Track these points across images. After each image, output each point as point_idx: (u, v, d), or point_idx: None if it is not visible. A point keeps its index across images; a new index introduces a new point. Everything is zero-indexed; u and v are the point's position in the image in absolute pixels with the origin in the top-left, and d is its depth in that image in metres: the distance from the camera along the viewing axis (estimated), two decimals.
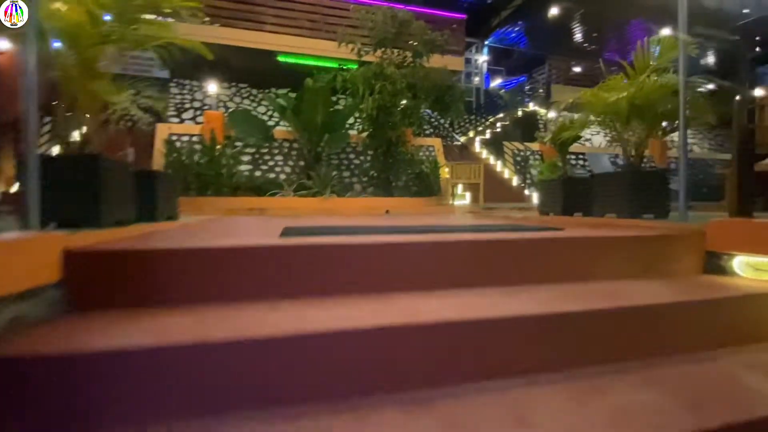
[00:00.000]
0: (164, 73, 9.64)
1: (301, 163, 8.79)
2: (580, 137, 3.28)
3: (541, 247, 1.78)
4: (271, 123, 9.55)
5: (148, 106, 2.83)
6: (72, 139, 2.49)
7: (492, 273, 1.68)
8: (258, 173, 8.78)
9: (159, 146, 7.79)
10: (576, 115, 3.59)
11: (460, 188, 8.64)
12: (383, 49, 6.70)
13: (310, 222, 3.53)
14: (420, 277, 1.58)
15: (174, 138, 8.42)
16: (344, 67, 7.42)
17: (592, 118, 3.07)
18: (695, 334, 1.47)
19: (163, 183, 2.66)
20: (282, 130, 8.60)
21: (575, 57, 13.91)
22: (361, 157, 9.47)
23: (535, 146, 11.42)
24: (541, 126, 12.56)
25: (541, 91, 14.02)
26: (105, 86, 2.05)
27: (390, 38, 6.50)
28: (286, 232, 2.11)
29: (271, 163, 8.92)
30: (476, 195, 8.27)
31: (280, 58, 8.13)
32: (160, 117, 9.81)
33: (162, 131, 8.26)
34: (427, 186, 8.69)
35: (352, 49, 6.61)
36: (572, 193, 3.28)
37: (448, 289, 1.55)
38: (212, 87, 8.39)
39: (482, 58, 15.32)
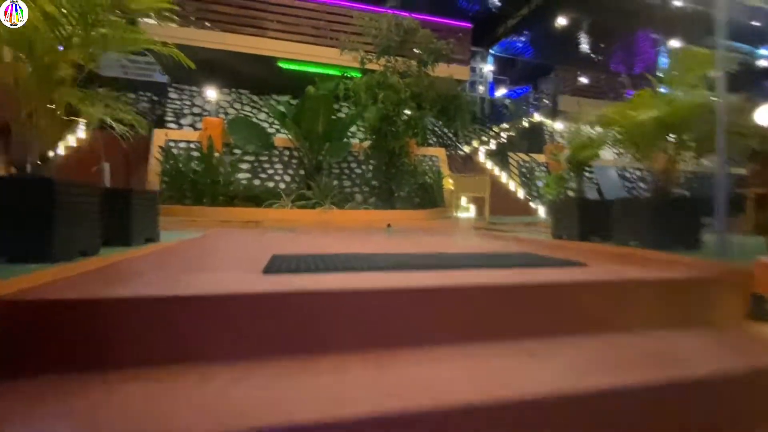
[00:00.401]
0: (165, 78, 9.50)
1: (302, 171, 8.57)
2: (598, 156, 3.02)
3: (568, 293, 1.52)
4: (271, 130, 9.36)
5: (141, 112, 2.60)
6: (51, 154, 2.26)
7: (510, 323, 1.42)
8: (257, 182, 8.56)
9: (155, 153, 7.58)
10: (587, 128, 3.32)
11: (464, 200, 8.40)
12: (387, 57, 6.50)
13: (304, 241, 3.28)
14: (425, 329, 1.32)
15: (171, 144, 8.22)
16: (347, 75, 7.23)
17: (616, 135, 2.79)
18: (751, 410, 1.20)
19: (140, 202, 2.42)
20: (283, 137, 8.40)
21: (582, 67, 13.74)
22: (363, 167, 9.25)
23: (541, 158, 11.19)
24: (547, 137, 12.34)
25: (546, 101, 13.84)
26: (69, 96, 1.80)
27: (394, 46, 6.30)
28: (273, 263, 1.85)
29: (270, 172, 8.70)
30: (481, 207, 8.01)
31: (282, 65, 7.95)
32: (159, 122, 9.65)
33: (159, 137, 8.06)
34: (430, 197, 8.45)
35: (356, 58, 6.41)
36: (589, 216, 3.02)
37: (458, 345, 1.29)
38: (212, 93, 8.21)
39: (487, 68, 15.17)
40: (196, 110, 9.23)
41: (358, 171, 9.31)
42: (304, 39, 7.94)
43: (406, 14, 6.66)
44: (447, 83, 6.69)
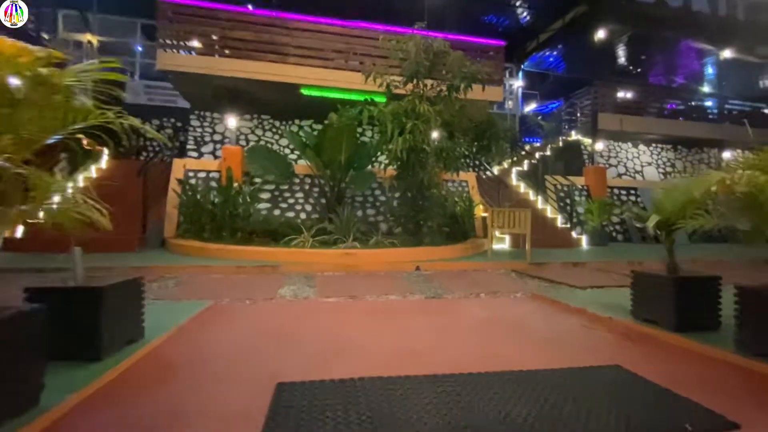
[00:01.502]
0: (189, 104, 9.36)
1: (323, 200, 8.11)
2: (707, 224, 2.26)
3: None
4: (293, 156, 9.01)
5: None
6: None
7: None
8: (277, 211, 8.18)
9: (173, 184, 7.33)
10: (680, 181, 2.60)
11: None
12: (415, 81, 5.97)
13: (323, 323, 2.71)
14: None
15: (191, 174, 7.98)
16: (371, 100, 6.76)
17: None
18: None
19: (117, 298, 1.93)
20: (304, 164, 7.99)
21: (620, 81, 12.82)
22: (388, 194, 8.71)
23: (580, 180, 10.32)
24: (586, 157, 11.44)
25: (580, 116, 12.96)
26: None
27: (423, 71, 5.78)
28: (279, 402, 1.29)
29: (291, 201, 8.30)
30: (517, 239, 7.26)
31: (304, 92, 7.59)
32: (181, 150, 9.50)
33: (177, 167, 7.83)
34: (460, 228, 7.78)
35: (380, 84, 5.92)
36: (691, 300, 2.31)
37: None
38: (231, 121, 7.94)
39: (517, 83, 14.46)
40: (217, 137, 9.01)
41: (383, 198, 8.78)
42: (327, 64, 7.56)
43: (435, 34, 6.14)
44: (480, 108, 6.09)
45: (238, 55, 7.27)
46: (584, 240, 8.68)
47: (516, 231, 6.03)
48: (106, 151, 9.02)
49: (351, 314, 2.94)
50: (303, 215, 8.29)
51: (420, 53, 5.57)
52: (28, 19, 7.27)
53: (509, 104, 14.78)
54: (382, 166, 6.44)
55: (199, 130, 8.95)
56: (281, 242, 6.42)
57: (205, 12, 7.19)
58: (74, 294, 1.81)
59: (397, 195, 6.79)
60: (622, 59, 14.86)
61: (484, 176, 10.11)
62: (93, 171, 8.27)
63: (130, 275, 2.18)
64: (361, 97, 7.69)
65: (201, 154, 8.85)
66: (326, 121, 7.51)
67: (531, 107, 18.00)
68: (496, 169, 10.73)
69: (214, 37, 7.25)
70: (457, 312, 3.08)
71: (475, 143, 6.12)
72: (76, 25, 11.07)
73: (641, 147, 12.20)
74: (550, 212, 9.61)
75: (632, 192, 11.07)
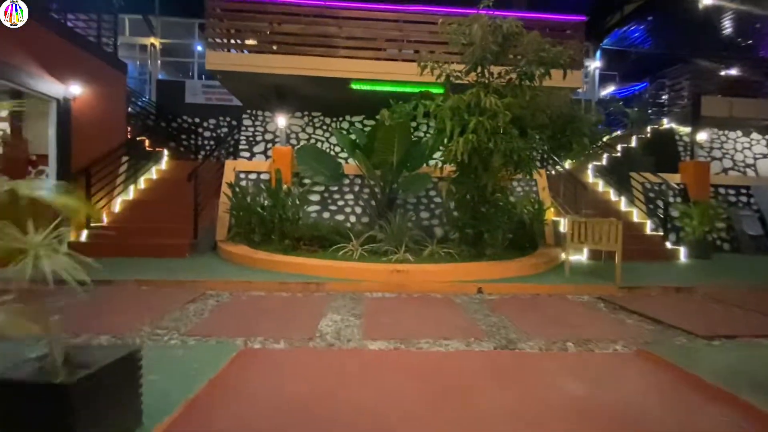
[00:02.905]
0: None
1: (373, 202, 7.57)
2: None
3: None
4: (344, 155, 8.56)
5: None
6: None
7: None
8: (326, 214, 7.79)
9: (224, 187, 7.21)
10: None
11: (564, 225, 6.47)
12: (479, 70, 5.12)
13: (367, 393, 2.11)
14: None
15: (242, 176, 7.84)
16: (427, 92, 6.01)
17: None
18: None
19: (98, 388, 1.47)
20: (354, 165, 7.49)
21: (727, 57, 10.64)
22: (444, 200, 7.93)
23: (675, 177, 8.69)
24: (681, 149, 9.67)
25: (673, 99, 11.01)
26: None
27: (490, 58, 4.91)
28: None
29: (340, 203, 7.87)
30: (596, 251, 6.12)
31: (354, 86, 7.04)
32: (235, 149, 9.48)
33: (228, 170, 7.72)
34: (527, 236, 6.81)
35: (439, 75, 5.16)
36: None
37: None
38: (281, 120, 7.64)
39: (594, 64, 12.70)
40: (268, 136, 8.83)
41: (438, 200, 8.03)
42: (379, 55, 6.92)
43: (503, 13, 5.21)
44: (558, 99, 5.08)
45: (287, 50, 6.89)
46: (682, 252, 7.24)
47: (602, 247, 5.00)
48: (165, 152, 9.27)
49: (400, 378, 2.32)
50: (353, 218, 7.83)
51: (487, 37, 4.70)
52: (91, 26, 7.49)
53: (583, 88, 13.07)
54: (438, 165, 5.69)
55: (251, 129, 8.83)
56: (329, 250, 6.00)
57: (253, 7, 6.88)
58: (34, 390, 1.38)
59: (453, 200, 6.01)
60: (728, 29, 12.41)
61: (554, 172, 8.90)
62: (153, 172, 8.48)
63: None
64: (416, 90, 6.95)
65: (253, 154, 8.72)
66: (377, 117, 6.92)
67: (608, 90, 15.94)
68: (567, 163, 9.41)
69: (262, 33, 6.93)
70: (541, 381, 2.33)
71: (552, 140, 5.13)
72: (141, 29, 11.53)
73: (754, 135, 10.07)
74: (636, 216, 8.21)
75: (743, 191, 9.15)
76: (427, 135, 8.82)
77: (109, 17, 7.44)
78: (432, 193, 7.98)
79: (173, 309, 3.62)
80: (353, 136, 7.66)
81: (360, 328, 3.23)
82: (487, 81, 5.21)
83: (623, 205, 8.53)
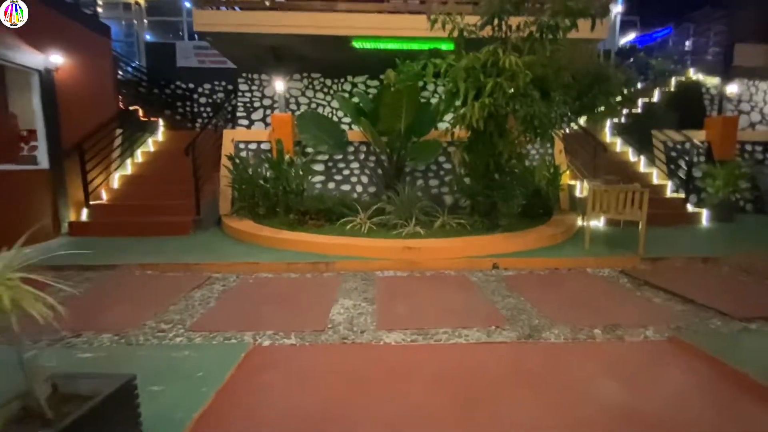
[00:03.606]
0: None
1: (380, 171, 7.24)
2: None
3: None
4: (347, 120, 8.10)
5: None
6: None
7: None
8: (331, 185, 7.51)
9: (224, 160, 6.89)
10: None
11: (581, 189, 6.16)
12: (496, 22, 4.58)
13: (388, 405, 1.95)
14: None
15: (241, 147, 7.49)
16: (437, 49, 5.47)
17: None
18: None
19: None
20: (359, 131, 7.08)
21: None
22: (457, 168, 7.56)
23: (699, 135, 8.17)
24: (708, 103, 9.02)
25: (699, 46, 10.16)
26: None
27: (509, 8, 4.35)
28: None
29: (346, 173, 7.55)
30: (616, 218, 5.82)
31: (356, 44, 6.45)
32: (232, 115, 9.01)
33: (227, 141, 7.35)
34: (542, 203, 6.52)
35: (451, 31, 4.63)
36: None
37: None
38: (279, 85, 7.13)
39: (615, 9, 11.66)
40: (267, 102, 8.34)
41: (448, 166, 7.66)
42: (382, 7, 6.28)
43: None
44: (584, 55, 4.57)
45: (281, 6, 6.27)
46: (704, 214, 6.93)
47: (626, 217, 4.71)
48: (161, 121, 8.85)
49: (420, 382, 2.16)
50: (359, 188, 7.55)
51: None
52: None
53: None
54: (449, 129, 5.28)
55: (248, 95, 8.33)
56: (336, 224, 5.79)
57: None
58: None
59: (466, 168, 5.66)
60: None
61: (569, 131, 8.40)
62: (150, 144, 8.14)
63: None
64: (424, 46, 6.38)
65: (251, 122, 8.30)
66: (382, 77, 6.40)
67: (628, 38, 14.83)
68: (583, 121, 8.87)
69: None
70: (573, 381, 2.16)
71: (577, 102, 4.68)
72: None
73: None
74: (656, 178, 7.82)
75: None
76: (436, 95, 8.28)
77: None
78: (441, 158, 7.60)
79: (178, 298, 3.48)
80: (356, 100, 7.17)
81: (373, 316, 3.07)
82: (504, 35, 4.68)
83: (642, 165, 8.11)
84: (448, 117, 5.73)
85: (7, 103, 6.11)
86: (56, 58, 5.67)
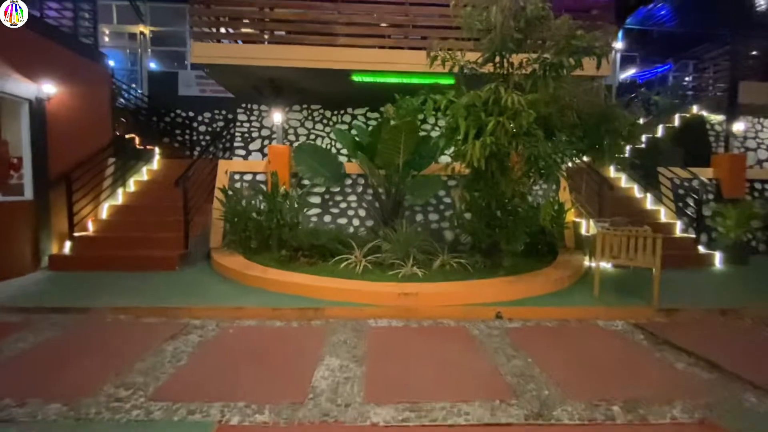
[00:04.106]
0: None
1: (377, 204, 7.01)
2: None
3: None
4: (346, 151, 7.94)
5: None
6: None
7: None
8: (327, 218, 7.26)
9: (217, 192, 6.67)
10: None
11: (586, 227, 5.88)
12: (499, 59, 4.46)
13: None
14: None
15: (236, 177, 7.30)
16: (437, 84, 5.36)
17: None
18: None
19: None
20: (356, 164, 6.89)
21: (763, 36, 9.67)
22: (457, 205, 7.34)
23: (706, 172, 7.97)
24: (713, 140, 8.88)
25: (704, 81, 10.13)
26: None
27: (512, 46, 4.23)
28: None
29: (343, 206, 7.32)
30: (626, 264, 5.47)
31: (355, 78, 6.38)
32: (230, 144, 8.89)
33: (222, 169, 7.17)
34: (549, 245, 6.24)
35: (452, 67, 4.50)
36: None
37: None
38: (277, 116, 7.03)
39: (616, 46, 11.77)
40: (265, 132, 8.23)
41: (448, 200, 7.43)
42: (382, 43, 6.24)
43: None
44: (590, 93, 4.41)
45: (280, 40, 6.24)
46: (717, 257, 6.61)
47: (638, 263, 4.40)
48: (157, 150, 8.73)
49: None
50: (356, 221, 7.29)
51: (508, 21, 4.01)
52: (82, 15, 6.89)
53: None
54: (449, 163, 5.06)
55: (246, 125, 8.23)
56: (330, 261, 5.49)
57: None
58: None
59: (467, 207, 5.41)
60: (762, 5, 11.36)
61: (572, 165, 8.20)
62: (144, 173, 7.97)
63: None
64: (423, 81, 6.32)
65: (249, 152, 8.16)
66: (381, 110, 6.28)
67: (628, 73, 14.96)
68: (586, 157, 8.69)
69: (253, 21, 6.26)
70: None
71: (583, 141, 4.47)
72: (130, 16, 10.82)
73: None
74: (664, 216, 7.55)
75: None
76: (436, 128, 8.16)
77: (87, 5, 6.79)
78: (441, 192, 7.38)
79: (147, 352, 3.14)
80: (354, 132, 7.04)
81: (362, 383, 2.72)
82: (506, 72, 4.55)
83: (649, 202, 7.86)
84: (450, 151, 5.57)
85: (0, 130, 5.97)
86: (48, 88, 5.56)
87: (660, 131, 9.31)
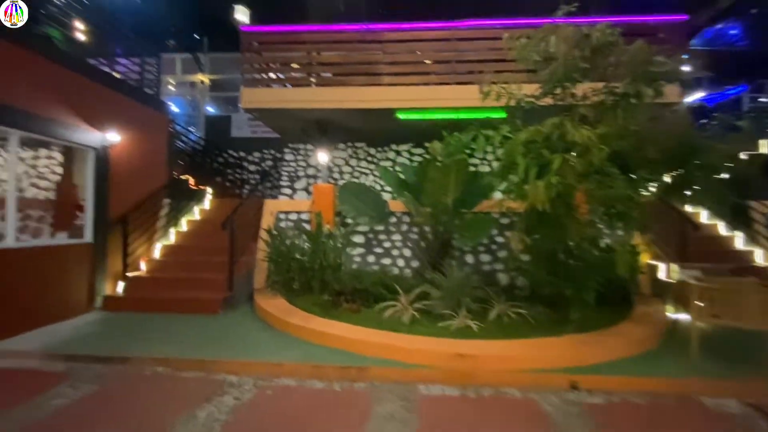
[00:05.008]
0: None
1: (423, 243, 6.61)
2: None
3: None
4: (389, 189, 7.72)
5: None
6: None
7: None
8: (371, 258, 6.95)
9: (262, 233, 6.64)
10: None
11: (663, 271, 5.01)
12: (560, 91, 4.06)
13: None
14: None
15: (282, 217, 7.28)
16: (488, 119, 4.99)
17: None
18: None
19: None
20: (400, 201, 6.61)
21: None
22: (506, 233, 6.78)
23: None
24: None
25: None
26: None
27: (576, 76, 3.83)
28: None
29: (387, 245, 7.00)
30: (733, 325, 4.55)
31: (400, 116, 6.22)
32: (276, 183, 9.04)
33: (269, 209, 7.19)
34: (621, 289, 5.44)
35: (508, 100, 4.16)
36: None
37: None
38: (322, 156, 7.02)
39: (683, 68, 10.87)
40: (310, 171, 8.27)
41: (501, 239, 6.87)
42: (429, 80, 6.08)
43: (588, 20, 4.12)
44: (673, 123, 3.84)
45: (326, 82, 6.29)
46: None
47: (748, 324, 3.58)
48: (209, 189, 9.05)
49: None
50: (401, 261, 6.91)
51: (572, 50, 3.63)
52: (147, 69, 7.44)
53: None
54: (502, 199, 4.60)
55: (292, 164, 8.33)
56: (374, 308, 5.11)
57: (290, 37, 6.38)
58: None
59: (526, 251, 4.85)
60: None
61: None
62: (197, 212, 8.22)
63: None
64: (473, 116, 5.99)
65: (295, 191, 8.19)
66: (427, 146, 5.99)
67: (694, 97, 13.78)
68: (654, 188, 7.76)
69: (301, 66, 6.40)
70: None
71: (668, 178, 3.86)
72: (193, 67, 11.75)
73: None
74: (761, 257, 6.43)
75: None
76: (484, 162, 7.75)
77: (152, 59, 7.35)
78: (493, 231, 6.85)
79: (180, 418, 2.89)
80: (399, 170, 6.80)
81: None
82: (569, 104, 4.11)
83: (740, 242, 6.77)
84: (503, 186, 5.11)
85: (72, 174, 6.40)
86: (113, 136, 5.91)
87: (743, 158, 8.20)
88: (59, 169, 6.47)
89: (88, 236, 5.70)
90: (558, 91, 4.10)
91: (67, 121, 5.25)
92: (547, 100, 4.35)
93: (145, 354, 3.99)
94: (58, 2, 6.44)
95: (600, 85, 4.17)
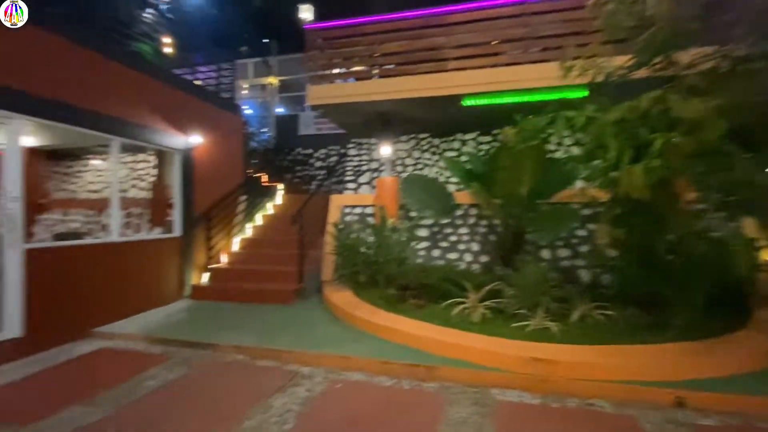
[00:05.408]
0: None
1: (492, 236, 6.23)
2: None
3: None
4: (455, 179, 7.42)
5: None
6: None
7: None
8: (436, 252, 6.75)
9: (329, 227, 6.79)
10: None
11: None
12: (660, 60, 3.47)
13: None
14: None
15: (347, 211, 7.37)
16: (566, 99, 4.48)
17: None
18: None
19: None
20: (467, 192, 6.30)
21: None
22: (589, 225, 6.13)
23: None
24: None
25: None
26: None
27: (680, 40, 3.24)
28: None
29: (453, 239, 6.74)
30: None
31: (466, 103, 5.88)
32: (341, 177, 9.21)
33: (334, 204, 7.32)
34: (734, 291, 4.60)
35: (595, 75, 3.68)
36: None
37: None
38: (385, 149, 6.94)
39: None
40: (374, 165, 8.26)
41: (582, 233, 6.23)
42: (497, 61, 5.66)
43: None
44: None
45: (389, 72, 6.17)
46: None
47: None
48: (280, 186, 9.51)
49: None
50: (468, 256, 6.61)
51: (677, 9, 3.07)
52: (223, 75, 7.99)
53: None
54: (585, 188, 4.09)
55: (356, 159, 8.39)
56: (441, 304, 4.93)
57: (354, 30, 6.35)
58: None
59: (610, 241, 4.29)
60: None
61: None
62: (270, 208, 8.69)
63: None
64: (547, 97, 5.46)
65: (359, 185, 8.25)
66: (496, 133, 5.59)
67: None
68: None
69: (364, 58, 6.36)
70: None
71: None
72: (265, 70, 12.42)
73: None
74: None
75: None
76: (560, 147, 7.07)
77: (227, 65, 7.84)
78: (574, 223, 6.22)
79: (257, 406, 3.01)
80: (465, 159, 6.47)
81: None
82: (670, 75, 3.51)
83: None
84: (585, 172, 4.56)
85: (164, 175, 7.10)
86: (195, 138, 6.42)
87: None
88: (153, 171, 7.23)
89: (177, 231, 6.28)
90: (657, 60, 3.51)
91: (157, 127, 5.80)
92: (641, 73, 3.77)
93: (227, 342, 4.27)
94: (148, 21, 7.12)
95: (710, 50, 3.49)
